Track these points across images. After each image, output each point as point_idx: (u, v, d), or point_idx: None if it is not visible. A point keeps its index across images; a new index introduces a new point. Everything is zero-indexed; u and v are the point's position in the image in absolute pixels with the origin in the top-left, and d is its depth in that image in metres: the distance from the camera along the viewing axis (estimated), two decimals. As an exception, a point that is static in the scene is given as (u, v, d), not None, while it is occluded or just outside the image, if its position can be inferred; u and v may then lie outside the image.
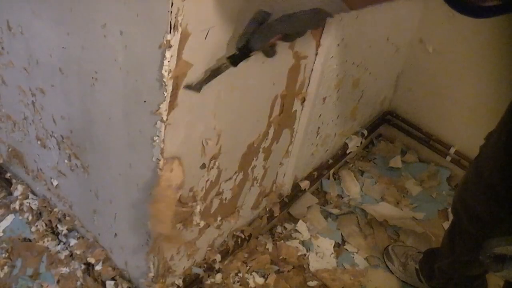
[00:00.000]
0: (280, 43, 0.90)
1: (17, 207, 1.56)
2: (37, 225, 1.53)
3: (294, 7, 0.82)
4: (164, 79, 0.87)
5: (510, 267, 0.92)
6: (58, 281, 1.42)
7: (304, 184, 1.70)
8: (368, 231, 1.75)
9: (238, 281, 1.51)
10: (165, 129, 0.95)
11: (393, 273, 1.64)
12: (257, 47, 0.88)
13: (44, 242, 1.50)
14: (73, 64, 1.06)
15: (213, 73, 0.93)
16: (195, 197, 1.19)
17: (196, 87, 0.92)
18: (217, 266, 1.47)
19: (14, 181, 1.60)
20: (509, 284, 1.24)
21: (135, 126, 1.01)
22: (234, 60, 0.91)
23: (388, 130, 2.10)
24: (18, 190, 1.58)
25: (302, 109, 1.39)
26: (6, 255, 1.46)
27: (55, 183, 1.43)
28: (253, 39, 0.86)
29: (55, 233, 1.52)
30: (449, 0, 0.54)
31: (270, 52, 0.92)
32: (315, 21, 0.85)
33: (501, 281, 1.63)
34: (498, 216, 1.14)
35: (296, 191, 1.68)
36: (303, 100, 1.36)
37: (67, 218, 1.49)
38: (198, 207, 1.22)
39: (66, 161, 1.31)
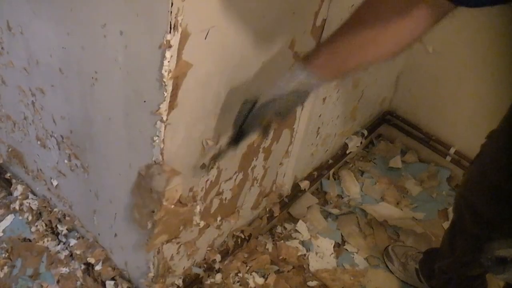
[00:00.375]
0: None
1: (17, 207, 1.56)
2: (37, 225, 1.53)
3: (275, 93, 0.91)
4: (164, 79, 0.87)
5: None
6: (58, 281, 1.42)
7: (304, 184, 1.70)
8: (368, 231, 1.75)
9: (238, 281, 1.51)
10: (165, 129, 0.95)
11: (393, 273, 1.64)
12: (250, 133, 0.99)
13: (44, 242, 1.50)
14: (73, 64, 1.06)
15: (215, 158, 1.11)
16: (195, 197, 1.19)
17: (203, 171, 1.11)
18: (217, 266, 1.47)
19: (14, 181, 1.60)
20: (509, 286, 1.24)
21: (135, 126, 1.01)
22: (232, 145, 1.04)
23: (388, 130, 2.10)
24: (18, 190, 1.58)
25: (302, 109, 1.39)
26: (6, 255, 1.46)
27: (55, 183, 1.43)
28: (246, 127, 0.97)
29: (55, 233, 1.52)
30: None
31: (264, 132, 1.00)
32: (296, 102, 0.93)
33: (501, 281, 1.63)
34: (502, 216, 1.14)
35: (296, 191, 1.68)
36: (303, 100, 1.36)
37: (67, 218, 1.49)
38: (198, 207, 1.22)
39: (66, 161, 1.31)
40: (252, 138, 1.02)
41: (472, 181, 1.22)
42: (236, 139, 1.02)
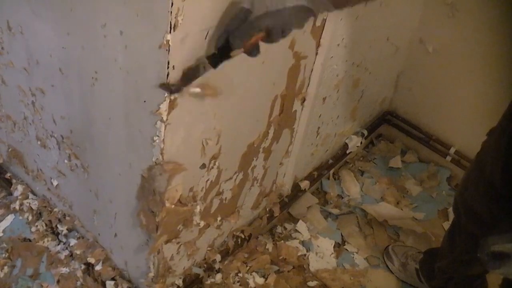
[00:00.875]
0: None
1: (17, 207, 1.56)
2: (37, 225, 1.53)
3: (277, 3, 0.78)
4: (164, 79, 0.87)
5: (508, 264, 0.92)
6: (58, 281, 1.42)
7: (304, 184, 1.70)
8: (368, 231, 1.75)
9: (238, 281, 1.51)
10: (165, 129, 0.95)
11: (393, 273, 1.64)
12: (237, 45, 0.82)
13: (44, 242, 1.50)
14: (73, 64, 1.06)
15: (191, 74, 0.88)
16: (195, 197, 1.19)
17: (172, 89, 0.87)
18: (217, 266, 1.47)
19: (14, 181, 1.60)
20: (507, 282, 1.24)
21: (135, 126, 1.01)
22: (214, 60, 0.85)
23: (388, 130, 2.10)
24: (18, 190, 1.58)
25: (302, 109, 1.39)
26: (6, 255, 1.46)
27: (55, 183, 1.43)
28: (233, 36, 0.81)
29: (55, 233, 1.52)
30: None
31: (253, 51, 0.85)
32: (298, 19, 0.81)
33: (501, 280, 1.63)
34: (498, 215, 1.14)
35: (296, 191, 1.68)
36: (303, 100, 1.36)
37: (67, 218, 1.49)
38: (198, 207, 1.22)
39: (66, 161, 1.31)
40: (237, 54, 0.84)
41: (470, 179, 1.22)
42: (218, 55, 0.85)
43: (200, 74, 0.87)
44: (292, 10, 0.79)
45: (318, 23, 1.18)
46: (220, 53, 0.84)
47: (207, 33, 0.87)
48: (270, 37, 0.82)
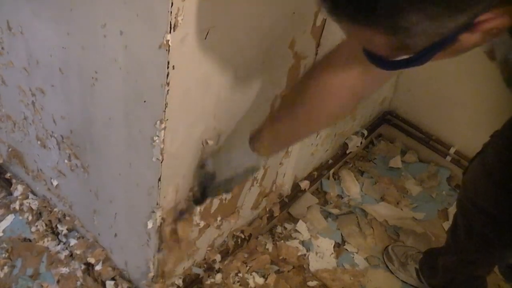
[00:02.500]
0: None
1: (17, 207, 1.56)
2: (37, 225, 1.53)
3: (231, 173, 1.06)
4: (164, 79, 0.87)
5: None
6: (58, 281, 1.42)
7: (304, 184, 1.70)
8: (368, 231, 1.75)
9: (238, 281, 1.51)
10: (165, 129, 0.95)
11: (393, 273, 1.64)
12: (212, 196, 1.14)
13: (44, 242, 1.50)
14: (73, 64, 1.06)
15: (184, 211, 1.19)
16: (195, 197, 1.19)
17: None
18: (217, 266, 1.47)
19: (14, 181, 1.60)
20: None
21: (135, 126, 1.01)
22: (198, 203, 1.17)
23: (388, 130, 2.10)
24: (18, 190, 1.58)
25: (302, 109, 1.39)
26: (6, 255, 1.46)
27: (55, 183, 1.43)
28: (207, 194, 1.11)
29: (55, 233, 1.52)
30: (370, 59, 0.61)
31: (227, 192, 1.18)
32: (247, 177, 1.11)
33: (501, 281, 1.63)
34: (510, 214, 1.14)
35: (296, 191, 1.68)
36: (303, 100, 1.36)
37: (67, 218, 1.49)
38: (198, 207, 1.22)
39: (66, 161, 1.31)
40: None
41: (477, 183, 1.21)
42: (200, 201, 1.15)
43: (190, 211, 1.20)
44: (243, 173, 1.06)
45: (318, 23, 1.18)
46: (200, 198, 1.14)
47: (207, 32, 0.88)
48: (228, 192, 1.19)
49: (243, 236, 1.53)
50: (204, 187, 1.10)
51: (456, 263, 1.39)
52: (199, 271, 1.42)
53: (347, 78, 0.86)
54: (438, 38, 0.56)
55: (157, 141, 0.97)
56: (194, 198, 1.16)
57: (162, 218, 1.13)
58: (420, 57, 0.58)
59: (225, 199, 1.33)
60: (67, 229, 1.49)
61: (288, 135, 1.00)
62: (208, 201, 1.17)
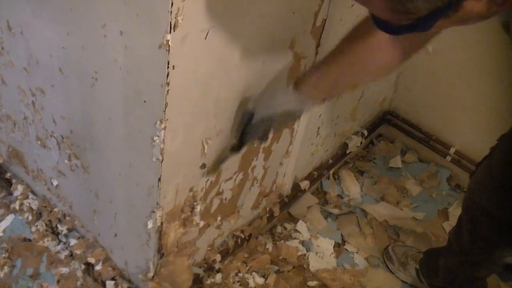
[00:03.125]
0: None
1: (17, 207, 1.56)
2: (37, 225, 1.53)
3: (269, 112, 1.03)
4: (164, 79, 0.87)
5: None
6: (58, 281, 1.42)
7: (304, 184, 1.70)
8: (368, 231, 1.75)
9: (238, 281, 1.51)
10: (165, 129, 0.95)
11: (393, 273, 1.64)
12: (249, 142, 1.11)
13: (44, 242, 1.50)
14: (73, 64, 1.06)
15: (222, 159, 1.16)
16: (195, 197, 1.19)
17: (208, 172, 1.16)
18: (217, 266, 1.48)
19: (14, 181, 1.60)
20: None
21: (135, 126, 1.01)
22: (235, 151, 1.14)
23: (388, 130, 2.10)
24: (18, 190, 1.58)
25: (301, 110, 1.39)
26: (6, 255, 1.46)
27: (55, 183, 1.43)
28: (245, 137, 1.08)
29: (55, 233, 1.52)
30: (375, 21, 0.63)
31: (263, 140, 1.12)
32: (289, 120, 1.06)
33: (501, 281, 1.63)
34: None
35: (296, 191, 1.68)
36: (303, 100, 1.36)
37: (67, 218, 1.49)
38: (198, 207, 1.22)
39: (66, 161, 1.31)
40: (251, 144, 1.14)
41: (483, 185, 1.21)
42: (237, 148, 1.12)
43: (228, 159, 1.17)
44: (282, 116, 1.02)
45: (318, 23, 1.18)
46: (238, 146, 1.12)
47: (207, 32, 0.88)
48: (274, 130, 1.11)
49: (243, 236, 1.53)
50: (243, 129, 1.06)
51: (458, 264, 1.39)
52: (199, 271, 1.42)
53: (396, 37, 0.87)
54: (440, 2, 0.55)
55: (157, 141, 0.97)
56: (232, 145, 1.13)
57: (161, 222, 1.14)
58: (423, 22, 0.58)
59: (225, 199, 1.33)
60: (67, 229, 1.49)
61: (333, 81, 0.98)
62: (244, 148, 1.14)
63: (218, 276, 1.50)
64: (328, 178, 1.88)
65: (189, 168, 1.11)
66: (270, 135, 1.10)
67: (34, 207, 1.54)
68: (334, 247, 1.68)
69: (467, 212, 1.31)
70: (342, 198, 1.85)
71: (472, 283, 1.44)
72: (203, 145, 1.09)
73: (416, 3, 0.55)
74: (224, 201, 1.33)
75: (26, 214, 1.55)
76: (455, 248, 1.38)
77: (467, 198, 1.30)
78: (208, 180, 1.20)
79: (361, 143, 1.91)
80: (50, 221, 1.52)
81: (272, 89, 1.05)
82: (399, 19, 0.59)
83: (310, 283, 1.56)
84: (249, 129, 1.05)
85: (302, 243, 1.67)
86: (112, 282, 1.39)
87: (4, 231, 1.52)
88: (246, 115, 1.05)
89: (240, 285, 1.51)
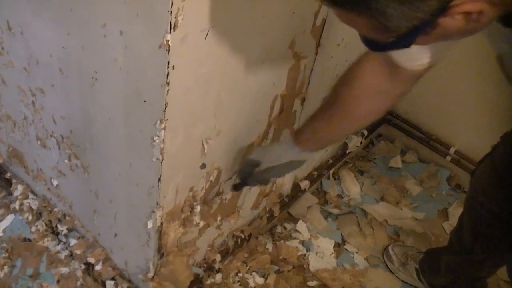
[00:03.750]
0: None
1: (17, 207, 1.56)
2: (37, 225, 1.53)
3: (272, 163, 1.12)
4: (164, 79, 0.87)
5: None
6: (58, 281, 1.42)
7: (304, 184, 1.70)
8: (368, 231, 1.75)
9: (238, 281, 1.51)
10: (165, 129, 0.95)
11: (393, 273, 1.64)
12: (252, 186, 1.24)
13: (44, 242, 1.50)
14: (73, 64, 1.06)
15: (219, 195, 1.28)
16: (195, 197, 1.19)
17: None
18: (217, 266, 1.48)
19: (14, 181, 1.60)
20: None
21: (135, 126, 1.01)
22: (236, 190, 1.25)
23: (388, 130, 2.10)
24: (18, 190, 1.58)
25: (302, 109, 1.39)
26: (6, 255, 1.46)
27: (55, 183, 1.43)
28: (249, 181, 1.18)
29: (55, 233, 1.52)
30: (364, 41, 0.69)
31: (265, 183, 1.22)
32: (290, 169, 1.14)
33: (501, 281, 1.63)
34: None
35: (296, 191, 1.68)
36: (303, 100, 1.36)
37: (67, 218, 1.49)
38: (198, 207, 1.22)
39: (66, 161, 1.31)
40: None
41: (485, 182, 1.21)
42: (238, 187, 1.22)
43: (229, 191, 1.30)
44: (285, 166, 1.12)
45: (318, 23, 1.18)
46: (240, 185, 1.22)
47: (207, 32, 0.88)
48: (267, 183, 1.22)
49: (243, 236, 1.54)
50: (246, 174, 1.17)
51: (460, 264, 1.39)
52: (199, 271, 1.42)
53: (378, 83, 0.93)
54: (417, 22, 0.59)
55: (157, 141, 0.97)
56: (233, 184, 1.24)
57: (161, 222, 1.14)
58: (403, 40, 0.62)
59: (225, 199, 1.33)
60: (67, 229, 1.49)
61: (325, 134, 1.07)
62: (245, 189, 1.26)
63: (218, 276, 1.50)
64: (328, 178, 1.88)
65: (189, 168, 1.11)
66: (270, 183, 1.22)
67: (34, 207, 1.54)
68: (334, 247, 1.68)
69: (468, 210, 1.31)
70: (342, 198, 1.85)
71: (472, 283, 1.44)
72: (203, 145, 1.09)
73: (394, 22, 0.59)
74: (224, 201, 1.33)
75: (26, 214, 1.55)
76: (457, 247, 1.38)
77: (469, 196, 1.30)
78: (208, 180, 1.20)
79: (361, 143, 1.91)
80: (50, 221, 1.52)
81: (276, 144, 1.22)
82: (383, 37, 0.63)
83: (310, 283, 1.56)
84: (252, 175, 1.15)
85: (302, 243, 1.67)
86: (112, 282, 1.39)
87: (4, 231, 1.52)
88: (251, 164, 1.14)
89: (240, 285, 1.51)
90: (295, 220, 1.73)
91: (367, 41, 0.68)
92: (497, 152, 1.18)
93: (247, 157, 1.17)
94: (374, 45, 0.67)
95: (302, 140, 1.08)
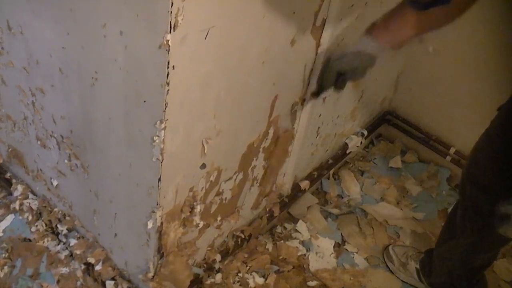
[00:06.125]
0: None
1: (17, 207, 1.56)
2: (37, 225, 1.53)
3: (342, 51, 1.12)
4: (164, 79, 0.87)
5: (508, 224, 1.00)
6: (58, 281, 1.42)
7: (304, 184, 1.70)
8: (368, 231, 1.75)
9: (238, 281, 1.51)
10: (165, 129, 0.95)
11: (393, 273, 1.64)
12: (327, 87, 1.20)
13: (44, 242, 1.50)
14: (73, 64, 1.06)
15: (302, 104, 1.33)
16: (195, 197, 1.19)
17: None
18: (217, 266, 1.47)
19: (14, 181, 1.60)
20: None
21: (135, 126, 1.01)
22: (314, 96, 1.28)
23: (388, 130, 2.10)
24: (18, 190, 1.58)
25: (302, 109, 1.39)
26: (6, 255, 1.46)
27: (55, 183, 1.43)
28: (322, 81, 1.21)
29: (55, 233, 1.52)
30: (411, 3, 0.75)
31: (340, 87, 1.18)
32: (358, 63, 1.11)
33: (501, 281, 1.64)
34: (509, 184, 1.15)
35: (296, 191, 1.68)
36: (303, 100, 1.36)
37: (67, 218, 1.49)
38: (198, 207, 1.22)
39: (66, 161, 1.31)
40: (330, 91, 1.22)
41: (478, 153, 1.24)
42: (316, 93, 1.25)
43: (309, 102, 1.35)
44: (352, 55, 1.10)
45: (318, 23, 1.18)
46: (318, 91, 1.24)
47: (207, 32, 0.88)
48: (352, 77, 1.15)
49: (243, 236, 1.54)
50: (322, 77, 1.19)
51: (451, 249, 1.38)
52: (199, 271, 1.42)
53: None
54: None
55: (157, 141, 0.97)
56: (312, 91, 1.27)
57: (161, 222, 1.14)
58: None
59: (225, 198, 1.33)
60: (67, 229, 1.49)
61: (399, 24, 1.06)
62: (324, 94, 1.26)
63: (218, 276, 1.50)
64: (328, 178, 1.88)
65: (189, 168, 1.11)
66: (344, 85, 1.17)
67: (34, 207, 1.55)
68: (334, 247, 1.68)
69: (460, 190, 1.33)
70: (342, 198, 1.85)
71: (470, 277, 1.43)
72: (203, 145, 1.09)
73: None
74: (224, 201, 1.33)
75: (26, 214, 1.55)
76: (447, 234, 1.39)
77: (462, 173, 1.33)
78: (208, 180, 1.20)
79: (361, 143, 1.91)
80: (50, 221, 1.52)
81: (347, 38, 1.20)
82: None
83: (310, 283, 1.56)
84: (326, 73, 1.16)
85: (302, 243, 1.67)
86: (112, 282, 1.39)
87: (4, 231, 1.52)
88: (324, 59, 1.16)
89: (240, 285, 1.51)
90: (295, 220, 1.73)
91: (412, 2, 0.74)
92: (492, 125, 1.21)
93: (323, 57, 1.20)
94: (419, 4, 0.73)
95: (377, 27, 1.08)
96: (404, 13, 1.03)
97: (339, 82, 1.16)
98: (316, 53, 1.27)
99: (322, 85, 1.21)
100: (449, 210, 1.86)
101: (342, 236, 1.72)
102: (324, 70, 1.19)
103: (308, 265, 1.61)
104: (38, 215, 1.55)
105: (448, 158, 1.95)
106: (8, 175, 1.62)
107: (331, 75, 1.15)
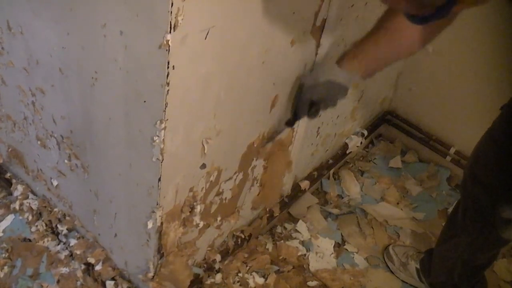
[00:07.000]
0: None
1: (17, 207, 1.56)
2: (37, 225, 1.53)
3: (312, 82, 1.14)
4: (164, 79, 0.87)
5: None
6: (58, 281, 1.42)
7: (304, 184, 1.70)
8: (368, 231, 1.75)
9: (238, 281, 1.51)
10: (165, 129, 0.95)
11: (393, 273, 1.64)
12: (301, 115, 1.20)
13: (44, 242, 1.50)
14: (73, 64, 1.06)
15: (275, 133, 1.31)
16: (195, 197, 1.19)
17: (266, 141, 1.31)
18: (217, 266, 1.47)
19: (14, 181, 1.60)
20: None
21: (135, 126, 1.01)
22: (289, 125, 1.29)
23: (388, 130, 2.10)
24: (18, 190, 1.58)
25: (302, 109, 1.39)
26: (6, 255, 1.46)
27: (55, 183, 1.43)
28: (297, 110, 1.21)
29: (55, 233, 1.52)
30: (406, 15, 0.75)
31: (313, 115, 1.19)
32: (331, 97, 1.13)
33: (501, 281, 1.63)
34: (510, 183, 1.15)
35: (296, 191, 1.68)
36: (303, 100, 1.36)
37: (67, 218, 1.49)
38: (198, 207, 1.22)
39: (66, 161, 1.31)
40: (304, 120, 1.25)
41: (481, 150, 1.24)
42: (291, 122, 1.26)
43: (282, 132, 1.33)
44: (324, 85, 1.11)
45: (318, 23, 1.18)
46: (292, 119, 1.26)
47: (207, 32, 0.88)
48: (322, 106, 1.16)
49: (243, 236, 1.53)
50: (296, 106, 1.20)
51: (452, 248, 1.38)
52: (199, 271, 1.42)
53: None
54: None
55: (157, 141, 0.97)
56: (287, 119, 1.27)
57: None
58: (442, 10, 0.69)
59: (225, 198, 1.33)
60: (67, 229, 1.49)
61: (369, 53, 1.10)
62: (298, 123, 1.28)
63: (218, 276, 1.50)
64: (328, 178, 1.88)
65: (189, 168, 1.11)
66: (320, 112, 1.18)
67: (34, 207, 1.55)
68: (334, 247, 1.68)
69: (462, 188, 1.33)
70: (342, 198, 1.85)
71: (470, 277, 1.43)
72: (203, 145, 1.09)
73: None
74: (224, 201, 1.33)
75: (26, 214, 1.55)
76: (447, 233, 1.40)
77: (464, 171, 1.33)
78: (208, 180, 1.20)
79: (361, 143, 1.91)
80: (50, 221, 1.52)
81: (319, 65, 1.20)
82: (422, 12, 0.70)
83: (310, 283, 1.56)
84: (300, 102, 1.17)
85: (302, 243, 1.67)
86: (112, 282, 1.39)
87: (4, 231, 1.52)
88: (298, 87, 1.17)
89: (240, 285, 1.51)
90: (295, 220, 1.73)
91: (409, 16, 0.75)
92: (495, 124, 1.21)
93: (298, 86, 1.20)
94: (417, 19, 0.74)
95: (347, 58, 1.10)
96: (376, 41, 1.06)
97: (312, 111, 1.17)
98: (316, 53, 1.27)
99: (296, 113, 1.22)
100: (449, 210, 1.86)
101: (342, 236, 1.72)
102: (298, 98, 1.20)
103: (308, 265, 1.61)
104: (38, 215, 1.55)
105: (448, 158, 1.95)
106: (8, 175, 1.62)
107: (304, 104, 1.17)
